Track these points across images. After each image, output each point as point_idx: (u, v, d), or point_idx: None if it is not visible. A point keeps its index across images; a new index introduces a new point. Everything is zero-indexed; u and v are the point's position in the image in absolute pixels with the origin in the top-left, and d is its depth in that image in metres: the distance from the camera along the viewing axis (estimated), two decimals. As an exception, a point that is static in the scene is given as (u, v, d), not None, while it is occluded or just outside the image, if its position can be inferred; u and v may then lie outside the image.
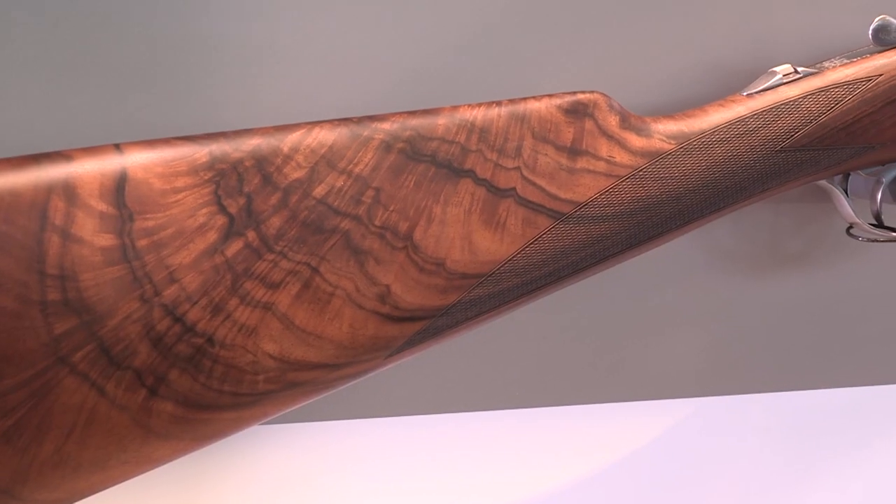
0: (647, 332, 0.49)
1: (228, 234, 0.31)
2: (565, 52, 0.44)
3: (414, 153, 0.34)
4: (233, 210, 0.32)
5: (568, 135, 0.36)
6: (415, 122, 0.34)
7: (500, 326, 0.42)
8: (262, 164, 0.32)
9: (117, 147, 0.31)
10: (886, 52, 0.41)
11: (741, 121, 0.39)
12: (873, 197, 0.44)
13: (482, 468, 0.50)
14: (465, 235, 0.34)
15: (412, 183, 0.34)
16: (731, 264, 0.49)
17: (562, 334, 0.49)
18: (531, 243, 0.36)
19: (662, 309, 0.49)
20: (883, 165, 0.43)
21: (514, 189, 0.35)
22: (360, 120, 0.34)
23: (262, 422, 0.32)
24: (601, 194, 0.37)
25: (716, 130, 0.39)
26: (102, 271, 0.30)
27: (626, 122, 0.37)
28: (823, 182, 0.44)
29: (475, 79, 0.43)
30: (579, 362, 0.49)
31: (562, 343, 0.49)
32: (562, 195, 0.36)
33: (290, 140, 0.33)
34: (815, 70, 0.41)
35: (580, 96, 0.37)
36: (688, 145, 0.38)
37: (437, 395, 0.48)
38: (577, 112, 0.37)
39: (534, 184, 0.36)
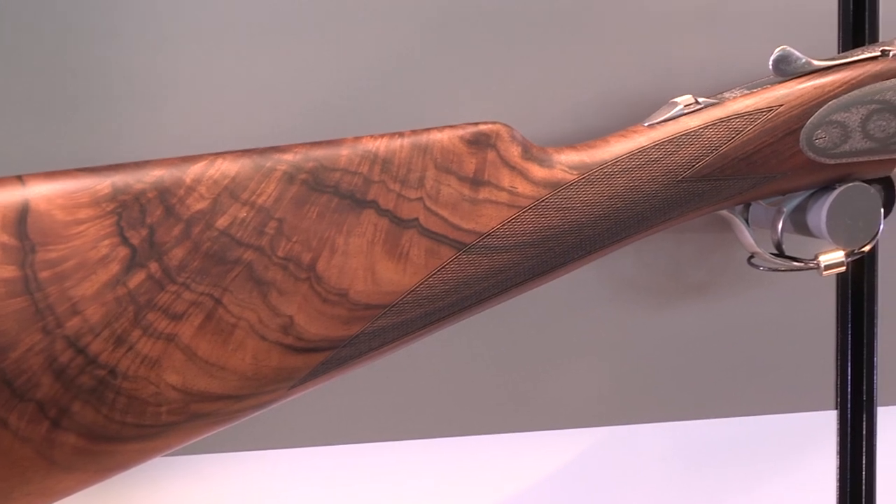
0: (552, 362, 0.57)
1: (131, 265, 0.37)
2: (468, 84, 0.53)
3: (317, 184, 0.41)
4: (135, 241, 0.38)
5: (470, 165, 0.44)
6: (318, 153, 0.41)
7: (405, 356, 0.48)
8: (165, 196, 0.39)
9: (19, 178, 0.37)
10: (787, 83, 0.50)
11: (642, 151, 0.48)
12: (774, 227, 0.53)
13: (387, 499, 0.57)
14: (369, 266, 0.42)
15: (315, 214, 0.41)
16: (633, 294, 0.58)
17: (466, 364, 0.57)
18: (434, 274, 0.43)
19: (566, 339, 0.57)
20: (784, 195, 0.52)
21: (416, 220, 0.43)
22: (263, 151, 0.40)
23: (166, 453, 0.39)
24: (504, 224, 0.45)
25: (617, 161, 0.47)
26: (4, 303, 0.35)
27: (528, 152, 0.45)
28: (725, 212, 0.52)
29: (378, 110, 0.50)
30: (484, 392, 0.57)
31: (466, 373, 0.57)
32: (464, 225, 0.44)
33: (192, 171, 0.39)
34: (716, 101, 0.50)
35: (482, 127, 0.45)
36: (589, 176, 0.46)
37: (343, 426, 0.55)
38: (480, 143, 0.44)
39: (437, 214, 0.43)
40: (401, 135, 0.43)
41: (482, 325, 0.52)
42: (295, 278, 0.40)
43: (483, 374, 0.57)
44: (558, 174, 0.46)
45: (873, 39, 0.59)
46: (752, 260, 0.54)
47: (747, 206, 0.53)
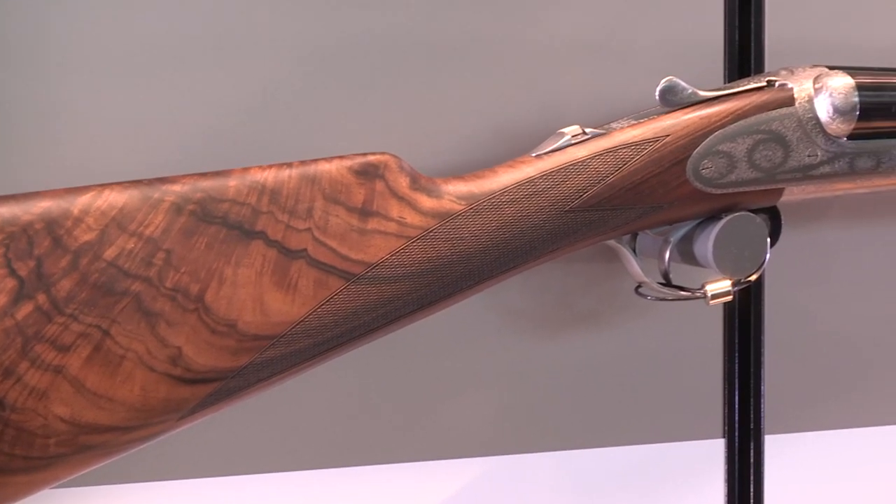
0: (441, 392, 0.65)
1: (19, 297, 0.43)
2: (356, 114, 0.60)
3: (205, 215, 0.47)
4: (23, 273, 0.43)
5: (359, 196, 0.51)
6: (206, 183, 0.47)
7: (293, 386, 0.54)
8: (53, 227, 0.44)
9: None
10: (673, 113, 0.58)
11: (530, 181, 0.55)
12: (661, 256, 0.61)
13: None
14: (257, 297, 0.48)
15: (203, 245, 0.47)
16: (521, 324, 0.66)
17: (356, 395, 0.64)
18: (323, 304, 0.49)
19: (456, 368, 0.65)
20: (670, 225, 0.61)
21: (305, 250, 0.49)
22: (151, 182, 0.46)
23: (54, 485, 0.44)
24: (392, 255, 0.51)
25: (505, 191, 0.54)
26: None
27: (416, 183, 0.52)
28: (612, 242, 0.60)
29: (267, 140, 0.57)
30: (373, 422, 0.64)
31: (355, 403, 0.64)
32: (353, 256, 0.50)
33: (80, 202, 0.45)
34: (603, 131, 0.58)
35: (371, 158, 0.51)
36: (478, 206, 0.53)
37: (230, 457, 0.61)
38: (368, 173, 0.51)
39: (325, 245, 0.50)
40: (289, 165, 0.50)
41: (372, 356, 0.58)
42: (183, 309, 0.46)
43: (373, 404, 0.64)
44: (446, 204, 0.53)
45: (759, 70, 0.69)
46: (640, 289, 0.63)
47: (635, 235, 0.61)
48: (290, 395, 0.60)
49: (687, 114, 0.57)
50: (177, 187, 0.47)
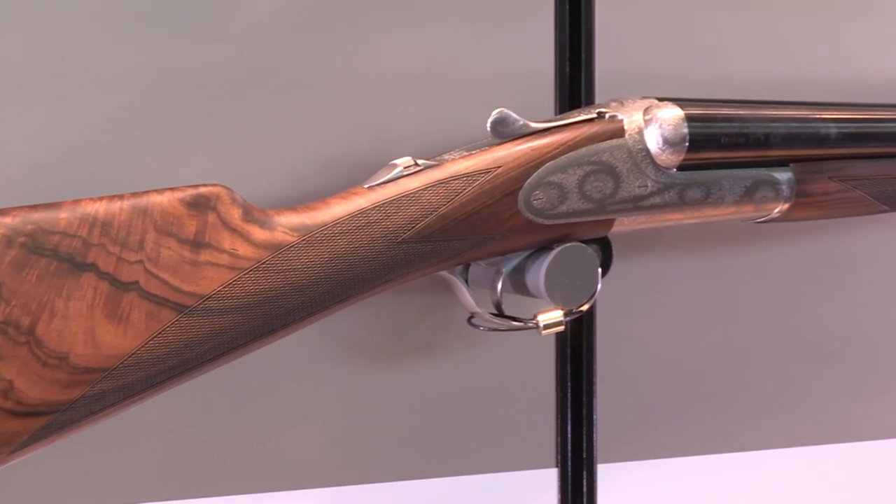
0: (276, 423, 0.72)
1: None
2: (188, 145, 0.67)
3: (36, 247, 0.53)
4: None
5: (191, 228, 0.57)
6: (37, 215, 0.53)
7: (126, 419, 0.60)
8: None
9: None
10: (505, 145, 0.66)
11: (362, 213, 0.62)
12: (494, 287, 0.69)
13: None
14: (89, 329, 0.53)
15: (34, 277, 0.52)
16: (355, 354, 0.74)
17: (190, 426, 0.70)
18: (155, 336, 0.55)
19: (290, 400, 0.72)
20: (503, 256, 0.68)
21: (137, 282, 0.55)
22: (-19, 214, 0.52)
23: None
24: (225, 287, 0.57)
25: (337, 223, 0.61)
26: None
27: (248, 214, 0.59)
28: (445, 272, 0.68)
29: (98, 171, 0.64)
30: (209, 454, 0.71)
31: (190, 435, 0.70)
32: (185, 288, 0.56)
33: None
34: (436, 162, 0.65)
35: (202, 189, 0.58)
36: (310, 237, 0.60)
37: (61, 491, 0.67)
38: (200, 205, 0.57)
39: (157, 277, 0.56)
40: (120, 197, 0.55)
41: (205, 387, 0.63)
42: (14, 342, 0.51)
43: (208, 436, 0.71)
44: (279, 236, 0.59)
45: (589, 102, 0.78)
46: (473, 320, 0.70)
47: (467, 266, 0.69)
48: (123, 427, 0.65)
49: (518, 145, 0.65)
50: (7, 220, 0.52)
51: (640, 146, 0.67)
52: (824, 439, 0.89)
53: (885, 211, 0.77)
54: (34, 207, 0.53)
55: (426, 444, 0.77)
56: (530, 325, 0.68)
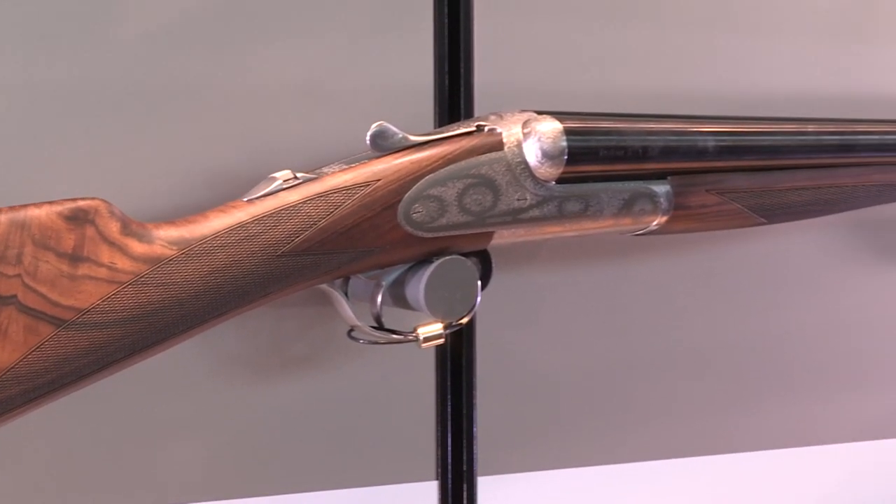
0: (154, 437, 0.76)
1: None
2: (68, 158, 0.71)
3: (-87, 262, 0.56)
4: None
5: (69, 241, 0.60)
6: (-87, 230, 0.56)
7: (3, 436, 0.64)
8: None
9: None
10: (384, 158, 0.70)
11: (242, 226, 0.66)
12: (373, 300, 0.73)
13: None
14: (-33, 344, 0.57)
15: (-87, 292, 0.56)
16: (235, 369, 0.78)
17: (63, 443, 0.74)
18: (33, 351, 0.59)
19: (168, 414, 0.76)
20: (382, 269, 0.73)
21: (15, 297, 0.58)
22: None
23: None
24: (104, 301, 0.61)
25: (217, 236, 0.65)
26: None
27: (127, 228, 0.62)
28: (325, 286, 0.72)
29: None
30: (84, 471, 0.74)
31: (63, 452, 0.74)
32: (64, 302, 0.60)
33: None
34: (315, 176, 0.69)
35: (81, 203, 0.61)
36: (189, 251, 0.64)
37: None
38: (78, 219, 0.61)
39: (35, 291, 0.59)
40: (-2, 211, 0.59)
41: (83, 402, 0.67)
42: None
43: (83, 452, 0.75)
44: (158, 250, 0.63)
45: (469, 115, 0.83)
46: (352, 333, 0.74)
47: (347, 279, 0.73)
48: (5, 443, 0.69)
49: (397, 158, 0.69)
50: None
51: (518, 159, 0.72)
52: (703, 450, 0.96)
53: (762, 223, 0.83)
54: (-89, 222, 0.57)
55: (307, 458, 0.82)
56: (410, 338, 0.72)
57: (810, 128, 0.84)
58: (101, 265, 0.61)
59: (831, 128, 0.85)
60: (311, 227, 0.67)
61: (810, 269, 0.99)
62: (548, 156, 0.72)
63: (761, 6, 0.94)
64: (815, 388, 1.00)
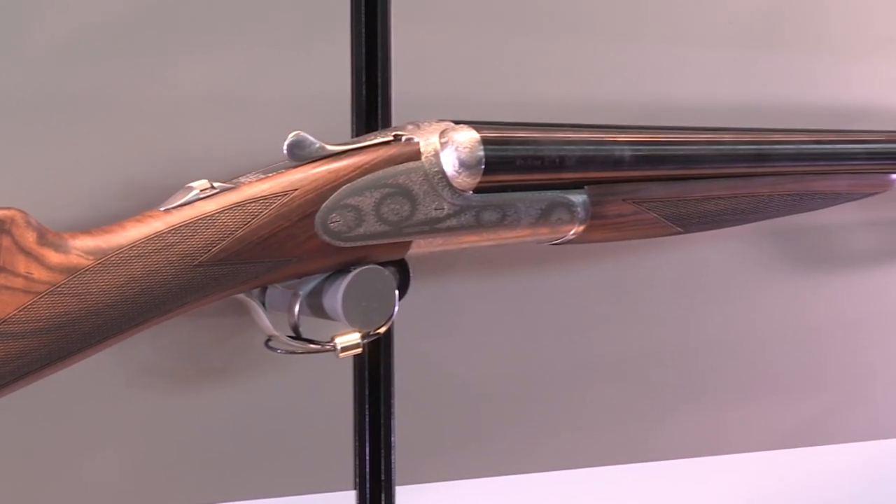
0: (71, 449, 0.78)
1: None
2: None
3: None
4: None
5: (-15, 252, 0.62)
6: None
7: None
8: None
9: None
10: (302, 168, 0.72)
11: (159, 236, 0.68)
12: (291, 310, 0.75)
13: None
14: None
15: None
16: (152, 379, 0.80)
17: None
18: (-50, 361, 0.61)
19: (84, 425, 0.78)
20: (300, 279, 0.75)
21: (-69, 307, 0.60)
22: None
23: None
24: (20, 311, 0.63)
25: (133, 246, 0.67)
26: None
27: (43, 238, 0.64)
28: (242, 296, 0.74)
29: None
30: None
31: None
32: (-21, 312, 0.62)
33: None
34: (233, 185, 0.71)
35: (-4, 213, 0.63)
36: (106, 261, 0.66)
37: None
38: (-6, 229, 0.63)
39: (-49, 302, 0.61)
40: (-86, 221, 0.61)
41: None
42: None
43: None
44: (74, 260, 0.65)
45: (386, 124, 0.86)
46: (270, 343, 0.76)
47: (264, 289, 0.75)
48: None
49: (315, 168, 0.72)
50: None
51: (436, 169, 0.74)
52: (619, 459, 0.99)
53: (679, 233, 0.86)
54: None
55: (224, 468, 0.84)
56: (328, 347, 0.75)
57: (726, 137, 0.87)
58: (17, 275, 0.63)
59: (747, 137, 0.89)
60: (228, 236, 0.69)
61: (725, 278, 1.02)
62: (465, 165, 0.74)
63: (675, 17, 0.98)
64: (728, 398, 1.03)
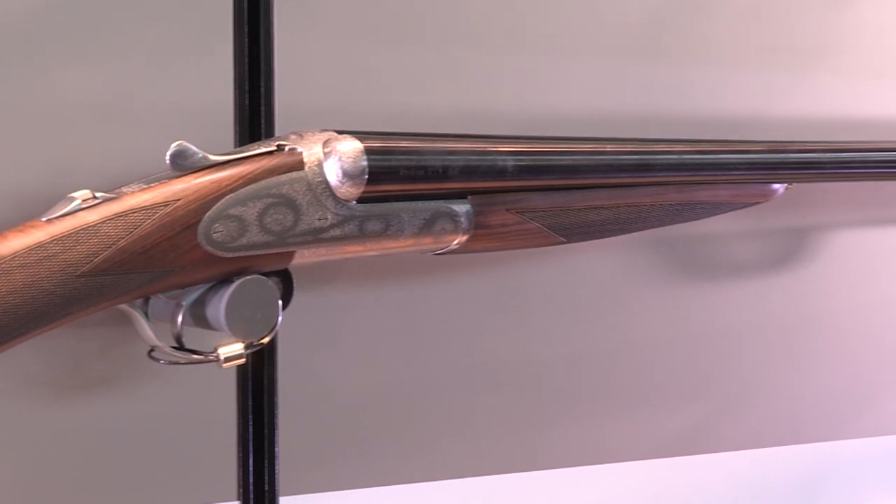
0: None
1: None
2: None
3: None
4: None
5: None
6: None
7: None
8: None
9: None
10: (184, 177, 0.74)
11: (40, 246, 0.70)
12: (174, 320, 0.78)
13: None
14: None
15: None
16: (34, 389, 0.82)
17: None
18: None
19: None
20: (183, 289, 0.78)
21: None
22: None
23: None
24: None
25: (15, 256, 0.69)
26: None
27: (-78, 248, 0.67)
28: (125, 306, 0.76)
29: None
30: None
31: None
32: None
33: None
34: (115, 195, 0.73)
35: None
36: (-13, 271, 0.68)
37: None
38: None
39: None
40: None
41: None
42: None
43: None
44: (-46, 270, 0.67)
45: (269, 134, 0.88)
46: (153, 353, 0.79)
47: (147, 299, 0.77)
48: None
49: (198, 178, 0.74)
50: None
51: (319, 179, 0.77)
52: (504, 468, 1.03)
53: (562, 242, 0.90)
54: None
55: (107, 479, 0.87)
56: (211, 358, 0.77)
57: (608, 147, 0.91)
58: None
59: (629, 147, 0.92)
60: (110, 246, 0.71)
61: (608, 288, 1.07)
62: (348, 175, 0.77)
63: (557, 27, 1.02)
64: (612, 406, 1.08)
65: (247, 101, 0.89)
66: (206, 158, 0.74)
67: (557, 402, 1.05)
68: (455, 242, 0.84)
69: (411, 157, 0.81)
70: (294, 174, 0.76)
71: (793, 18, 1.13)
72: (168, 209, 0.73)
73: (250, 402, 0.91)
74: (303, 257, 0.78)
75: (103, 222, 0.71)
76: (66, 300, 0.70)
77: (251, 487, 0.92)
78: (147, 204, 0.72)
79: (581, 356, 1.06)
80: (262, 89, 0.89)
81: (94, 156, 0.83)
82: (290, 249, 0.77)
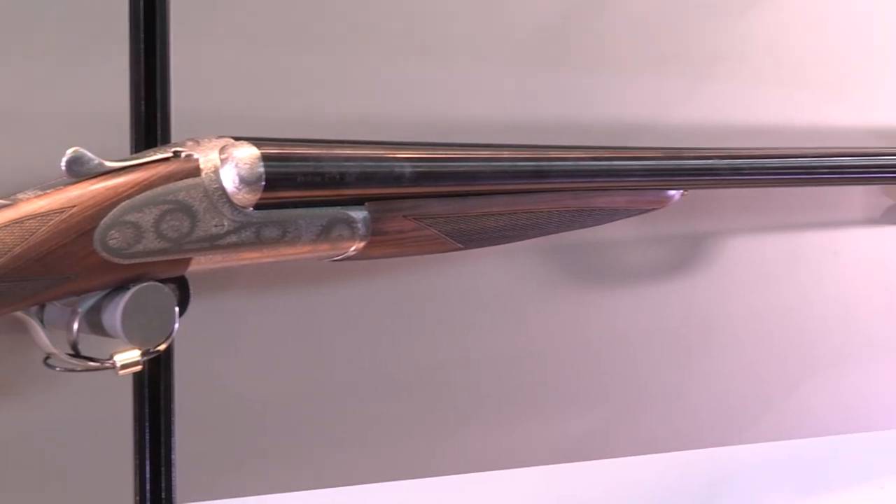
0: None
1: None
2: None
3: None
4: None
5: None
6: None
7: None
8: None
9: None
10: (80, 184, 0.76)
11: None
12: (69, 327, 0.79)
13: None
14: None
15: None
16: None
17: None
18: None
19: None
20: (79, 295, 0.80)
21: None
22: None
23: None
24: None
25: None
26: None
27: None
28: (20, 313, 0.78)
29: None
30: None
31: None
32: None
33: None
34: (10, 202, 0.75)
35: None
36: None
37: None
38: None
39: None
40: None
41: None
42: None
43: None
44: None
45: (165, 141, 0.90)
46: (49, 361, 0.81)
47: (43, 306, 0.79)
48: None
49: (93, 184, 0.76)
50: None
51: (216, 185, 0.79)
52: (407, 474, 1.06)
53: (459, 248, 0.92)
54: None
55: (2, 488, 0.88)
56: (107, 365, 0.79)
57: (505, 154, 0.94)
58: None
59: (526, 154, 0.95)
60: (5, 253, 0.73)
61: (506, 294, 1.10)
62: (245, 182, 0.79)
63: (454, 33, 1.05)
64: (511, 412, 1.11)
65: (143, 108, 0.91)
66: (101, 165, 0.76)
67: (455, 408, 1.08)
68: (352, 249, 0.86)
69: (308, 164, 0.83)
70: (190, 180, 0.78)
71: (687, 27, 1.17)
72: (64, 216, 0.74)
73: (147, 409, 0.94)
74: (199, 264, 0.80)
75: (-1, 229, 0.73)
76: (-57, 308, 0.72)
77: (148, 495, 0.94)
78: (42, 210, 0.74)
79: (479, 362, 1.09)
80: (158, 95, 0.91)
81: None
82: (187, 256, 0.79)
